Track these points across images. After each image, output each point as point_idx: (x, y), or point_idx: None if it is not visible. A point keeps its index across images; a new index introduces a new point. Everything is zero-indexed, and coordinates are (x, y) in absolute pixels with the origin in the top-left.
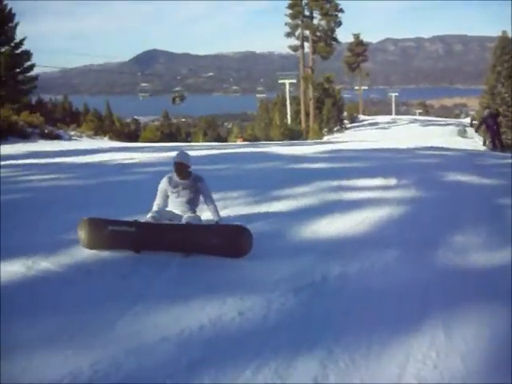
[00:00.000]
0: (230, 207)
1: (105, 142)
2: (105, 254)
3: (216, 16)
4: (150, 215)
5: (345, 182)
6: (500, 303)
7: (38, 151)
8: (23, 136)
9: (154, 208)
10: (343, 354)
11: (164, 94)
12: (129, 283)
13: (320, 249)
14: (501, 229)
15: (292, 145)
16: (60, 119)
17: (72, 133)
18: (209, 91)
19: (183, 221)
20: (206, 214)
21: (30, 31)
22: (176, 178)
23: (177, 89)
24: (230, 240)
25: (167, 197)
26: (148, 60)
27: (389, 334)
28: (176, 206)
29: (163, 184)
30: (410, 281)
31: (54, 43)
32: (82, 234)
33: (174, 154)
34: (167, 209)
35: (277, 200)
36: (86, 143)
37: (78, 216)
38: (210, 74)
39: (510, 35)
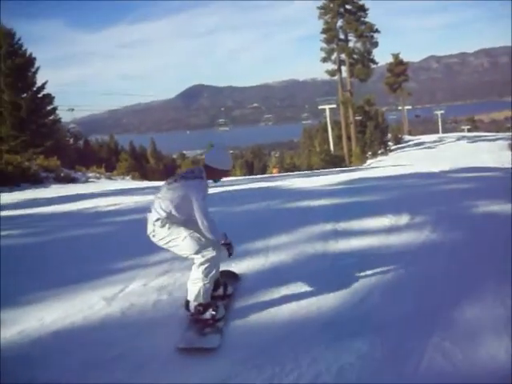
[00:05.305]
0: (171, 272)
1: (119, 183)
2: None
3: (259, 46)
4: None
5: (342, 225)
6: None
7: (29, 199)
8: (37, 181)
9: None
10: None
11: (210, 127)
12: None
13: (249, 347)
14: None
15: (312, 175)
16: (104, 158)
17: (90, 174)
18: (254, 122)
19: None
20: None
21: (79, 74)
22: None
23: (220, 120)
24: None
25: None
26: (193, 95)
27: None
28: None
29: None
30: None
31: (102, 85)
32: None
33: None
34: None
35: (240, 258)
36: (96, 185)
37: None
38: (255, 104)
39: None
